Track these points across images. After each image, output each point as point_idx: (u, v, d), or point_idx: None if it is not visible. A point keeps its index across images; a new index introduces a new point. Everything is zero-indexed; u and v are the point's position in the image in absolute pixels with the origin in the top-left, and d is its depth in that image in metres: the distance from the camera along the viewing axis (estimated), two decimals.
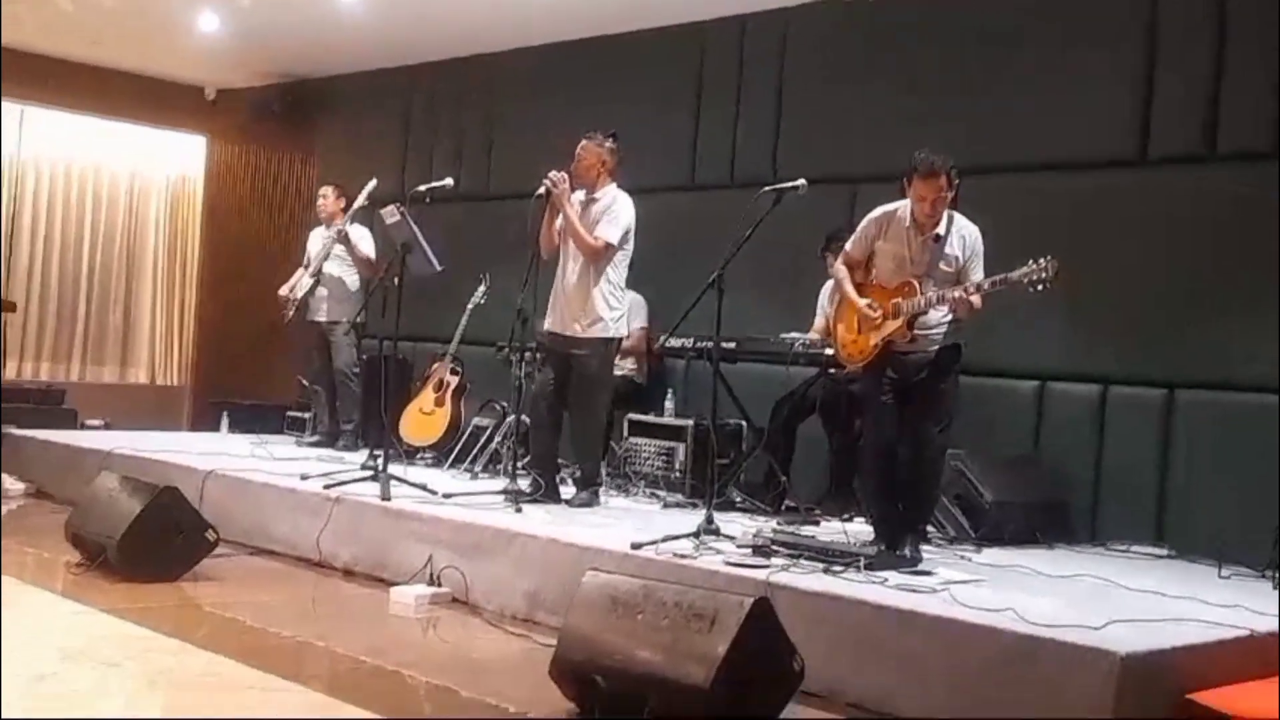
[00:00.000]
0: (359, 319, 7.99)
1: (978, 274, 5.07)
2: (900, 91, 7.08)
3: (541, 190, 6.13)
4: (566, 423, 6.38)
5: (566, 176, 6.16)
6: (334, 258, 8.21)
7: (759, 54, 7.79)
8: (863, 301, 5.17)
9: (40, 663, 3.97)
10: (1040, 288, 4.75)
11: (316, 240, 8.38)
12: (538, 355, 6.56)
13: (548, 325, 6.29)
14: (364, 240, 8.19)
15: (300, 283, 8.29)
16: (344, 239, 8.12)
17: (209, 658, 4.21)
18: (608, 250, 6.14)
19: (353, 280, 8.20)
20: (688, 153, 8.08)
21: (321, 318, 8.21)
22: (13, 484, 7.75)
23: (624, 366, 7.35)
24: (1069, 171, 6.45)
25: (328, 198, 8.37)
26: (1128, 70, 6.29)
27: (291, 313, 8.30)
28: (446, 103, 9.62)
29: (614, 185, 6.28)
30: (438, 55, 9.47)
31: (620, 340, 6.45)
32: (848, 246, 5.37)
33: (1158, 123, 6.22)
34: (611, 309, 6.19)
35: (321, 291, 8.21)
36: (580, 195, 6.25)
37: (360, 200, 7.94)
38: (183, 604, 5.12)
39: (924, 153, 5.01)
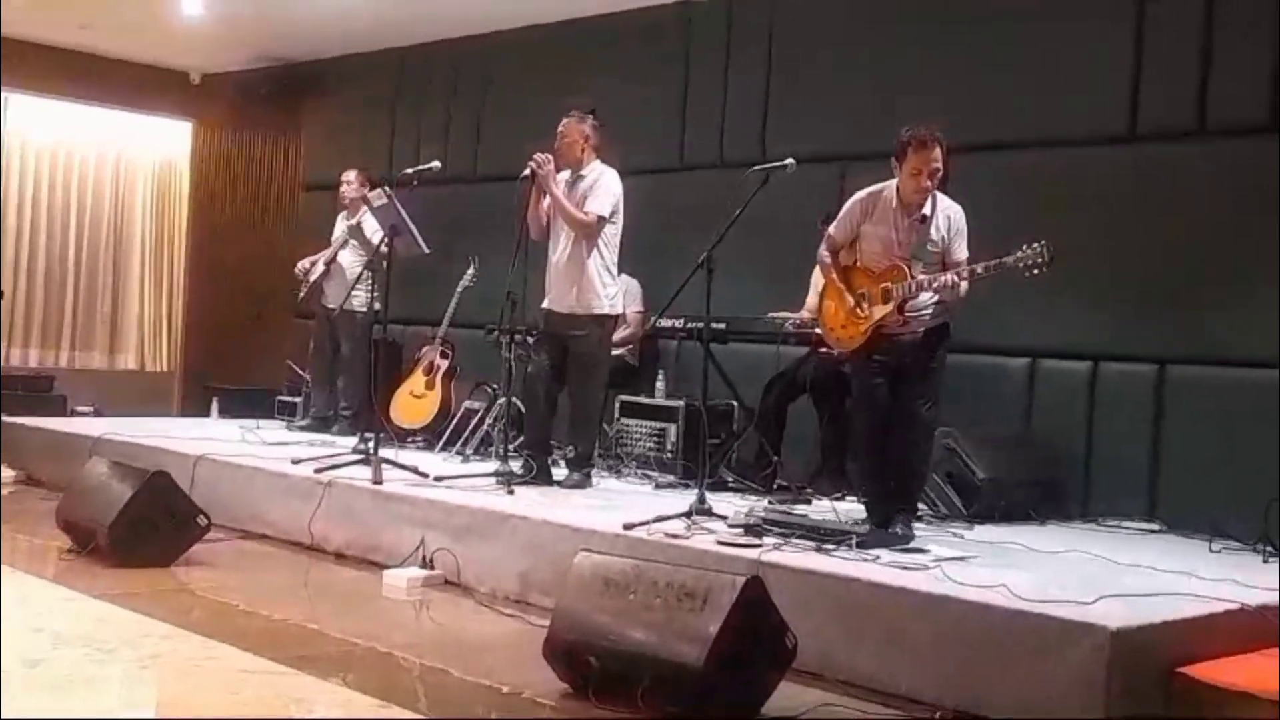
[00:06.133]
0: (374, 307, 7.83)
1: (961, 252, 5.05)
2: (889, 69, 7.06)
3: (526, 172, 6.12)
4: (562, 404, 6.37)
5: (551, 158, 6.14)
6: (350, 246, 8.11)
7: (746, 33, 7.76)
8: (851, 299, 5.13)
9: (33, 649, 3.96)
10: (1035, 272, 4.73)
11: (339, 226, 8.27)
12: (530, 338, 6.54)
13: (545, 305, 6.29)
14: (379, 235, 7.88)
15: (317, 265, 8.22)
16: (357, 234, 7.99)
17: (202, 642, 4.20)
18: (599, 224, 6.14)
19: (365, 272, 8.02)
20: (676, 133, 8.06)
21: (332, 304, 8.13)
22: (4, 471, 7.72)
23: (618, 348, 7.33)
24: (1059, 148, 6.43)
25: (350, 184, 8.13)
26: (1117, 45, 6.27)
27: (303, 292, 8.24)
28: (433, 85, 9.58)
29: (599, 161, 6.27)
30: (424, 38, 9.42)
31: (617, 318, 6.45)
32: (831, 230, 5.32)
33: (1147, 98, 6.20)
34: (606, 286, 6.18)
35: (334, 278, 8.14)
36: (566, 175, 6.24)
37: (375, 198, 7.48)
38: (175, 589, 5.12)
39: (911, 127, 4.95)
